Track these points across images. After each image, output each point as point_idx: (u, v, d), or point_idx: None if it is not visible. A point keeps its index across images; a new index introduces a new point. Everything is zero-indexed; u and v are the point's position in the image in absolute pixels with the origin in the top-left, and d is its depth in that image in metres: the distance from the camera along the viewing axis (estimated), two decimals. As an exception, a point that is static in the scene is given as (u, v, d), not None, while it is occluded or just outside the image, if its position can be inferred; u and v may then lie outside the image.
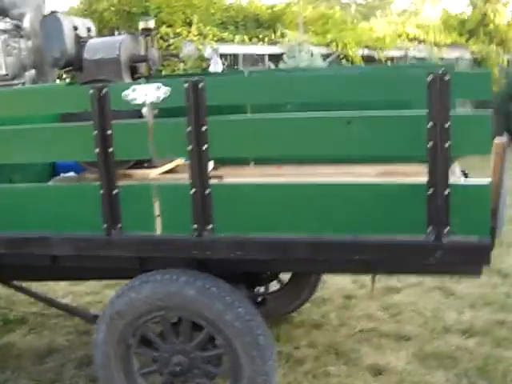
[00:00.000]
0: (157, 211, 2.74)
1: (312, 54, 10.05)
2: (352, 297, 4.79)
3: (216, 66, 10.13)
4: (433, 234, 2.47)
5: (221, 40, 11.63)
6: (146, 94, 2.68)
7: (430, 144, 2.40)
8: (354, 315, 4.46)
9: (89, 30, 3.91)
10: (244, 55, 11.27)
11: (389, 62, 13.07)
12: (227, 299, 2.78)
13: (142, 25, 3.77)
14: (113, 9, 12.06)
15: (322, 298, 4.77)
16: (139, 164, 3.61)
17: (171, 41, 11.22)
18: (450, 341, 4.00)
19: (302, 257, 2.65)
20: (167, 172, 3.77)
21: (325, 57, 11.37)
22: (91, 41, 3.74)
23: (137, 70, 3.78)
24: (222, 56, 11.09)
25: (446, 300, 4.66)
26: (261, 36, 11.59)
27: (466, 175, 3.34)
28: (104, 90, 2.69)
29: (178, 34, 11.31)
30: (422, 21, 17.27)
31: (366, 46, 12.95)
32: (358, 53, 12.32)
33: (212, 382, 2.98)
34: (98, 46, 3.67)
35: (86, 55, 3.64)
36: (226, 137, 2.64)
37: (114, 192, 2.76)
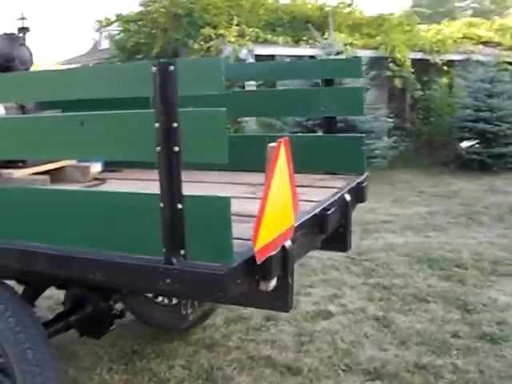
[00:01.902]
0: None
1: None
2: (272, 318, 4.34)
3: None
4: (166, 256, 2.07)
5: (264, 41, 11.33)
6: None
7: (159, 148, 2.01)
8: (258, 339, 4.02)
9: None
10: (281, 57, 10.88)
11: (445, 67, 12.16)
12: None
13: (18, 24, 3.59)
14: (163, 10, 12.13)
15: (241, 316, 4.38)
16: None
17: (211, 42, 11.05)
18: (343, 382, 3.49)
19: (43, 270, 2.33)
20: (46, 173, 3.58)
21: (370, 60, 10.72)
22: None
23: (11, 69, 3.59)
24: (258, 58, 10.77)
25: (376, 333, 4.10)
26: (305, 38, 11.16)
27: None
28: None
29: (220, 36, 11.13)
30: (504, 23, 15.96)
31: (421, 50, 12.11)
32: (408, 56, 11.51)
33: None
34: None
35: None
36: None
37: None
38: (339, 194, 3.10)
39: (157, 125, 1.99)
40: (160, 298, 4.16)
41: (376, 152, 9.61)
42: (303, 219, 2.64)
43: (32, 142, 2.27)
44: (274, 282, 2.24)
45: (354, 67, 3.44)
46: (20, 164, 3.55)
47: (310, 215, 2.70)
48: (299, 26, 11.59)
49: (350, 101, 3.51)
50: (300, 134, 4.18)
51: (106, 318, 3.37)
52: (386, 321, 4.26)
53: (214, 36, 11.14)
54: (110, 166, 4.11)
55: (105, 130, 2.17)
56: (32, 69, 3.78)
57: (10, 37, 3.49)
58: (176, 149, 2.01)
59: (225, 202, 1.99)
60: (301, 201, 3.00)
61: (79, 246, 2.23)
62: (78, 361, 3.75)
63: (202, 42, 11.18)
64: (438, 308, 4.49)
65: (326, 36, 10.81)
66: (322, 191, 3.19)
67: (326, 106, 3.54)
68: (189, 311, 2.86)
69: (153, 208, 2.05)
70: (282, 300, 2.42)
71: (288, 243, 2.38)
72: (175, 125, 1.99)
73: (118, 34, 13.04)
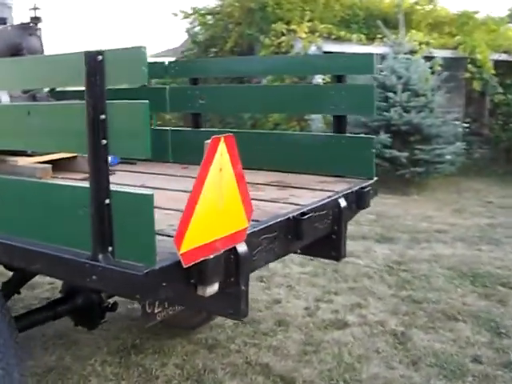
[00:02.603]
0: None
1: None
2: (283, 323, 4.19)
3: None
4: (93, 252, 1.99)
5: (337, 38, 11.06)
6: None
7: (89, 140, 1.93)
8: (262, 344, 3.88)
9: (3, 20, 3.86)
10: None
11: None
12: None
13: (30, 14, 3.61)
14: (237, 4, 12.12)
15: (253, 318, 4.25)
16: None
17: (282, 38, 10.92)
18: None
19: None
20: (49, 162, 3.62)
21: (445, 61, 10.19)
22: None
23: None
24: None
25: (389, 349, 3.84)
26: (380, 35, 10.76)
27: None
28: None
29: (291, 31, 10.98)
30: None
31: (506, 51, 11.34)
32: (491, 57, 10.81)
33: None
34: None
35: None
36: None
37: None
38: (330, 199, 2.90)
39: (86, 116, 1.91)
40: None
41: (444, 157, 9.13)
42: (270, 223, 2.49)
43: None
44: (214, 288, 2.11)
45: (367, 63, 3.22)
46: (29, 152, 3.62)
47: (281, 219, 2.54)
48: (375, 24, 11.20)
49: (360, 99, 3.30)
50: (308, 133, 3.97)
51: (96, 309, 3.36)
52: (403, 337, 3.99)
53: (285, 31, 11.00)
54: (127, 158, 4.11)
55: (48, 120, 2.12)
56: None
57: (20, 27, 3.53)
58: (104, 142, 1.92)
59: (148, 199, 1.88)
60: (284, 203, 2.86)
61: (22, 236, 2.20)
62: (77, 349, 3.76)
63: (273, 38, 11.06)
64: (465, 328, 4.15)
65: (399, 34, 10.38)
66: (315, 194, 3.01)
67: (335, 104, 3.34)
68: (156, 310, 2.77)
69: (84, 202, 1.98)
70: (233, 307, 2.29)
71: (241, 247, 2.24)
72: (103, 117, 1.91)
73: (193, 28, 13.16)
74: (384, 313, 4.41)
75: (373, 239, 6.44)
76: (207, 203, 1.97)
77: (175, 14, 12.77)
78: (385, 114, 8.72)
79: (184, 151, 3.95)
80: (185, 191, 2.85)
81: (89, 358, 3.64)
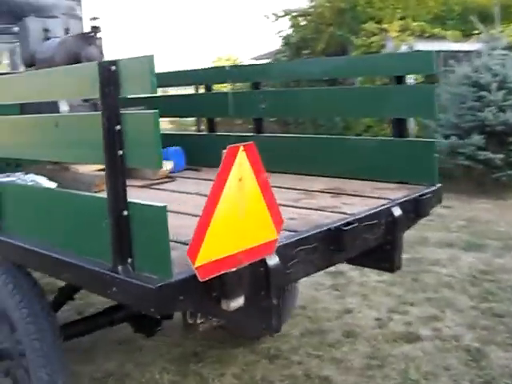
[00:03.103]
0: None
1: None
2: (352, 335, 4.03)
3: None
4: (113, 264, 1.97)
5: (431, 36, 10.63)
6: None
7: (105, 150, 1.92)
8: (325, 356, 3.74)
9: (67, 30, 4.00)
10: (446, 53, 10.03)
11: None
12: (16, 297, 2.65)
13: (90, 23, 3.72)
14: (328, 5, 11.97)
15: (321, 328, 4.13)
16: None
17: (373, 38, 10.65)
18: None
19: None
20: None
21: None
22: (48, 41, 3.83)
23: None
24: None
25: (461, 366, 3.58)
26: (477, 31, 10.18)
27: None
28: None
29: (383, 30, 10.68)
30: None
31: None
32: None
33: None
34: (47, 47, 3.75)
35: (38, 55, 3.76)
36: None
37: None
38: (382, 208, 2.74)
39: (102, 126, 1.91)
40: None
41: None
42: (307, 234, 2.38)
43: (17, 142, 2.32)
44: (238, 302, 2.04)
45: (426, 61, 3.02)
46: (92, 160, 3.72)
47: (320, 230, 2.42)
48: (472, 19, 10.62)
49: (420, 101, 3.09)
50: (368, 138, 3.79)
51: (151, 317, 3.37)
52: (478, 354, 3.71)
53: (376, 31, 10.72)
54: (192, 165, 4.15)
55: (77, 131, 2.14)
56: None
57: (80, 37, 3.64)
58: (120, 152, 1.90)
59: (161, 211, 1.84)
60: (331, 212, 2.74)
61: (55, 246, 2.24)
62: (138, 356, 3.81)
63: (364, 38, 10.82)
64: (552, 347, 3.80)
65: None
66: (367, 203, 2.86)
67: (394, 106, 3.17)
68: (198, 321, 2.73)
69: (105, 213, 1.97)
70: (265, 321, 2.21)
71: (272, 260, 2.16)
72: (118, 127, 1.89)
73: (284, 30, 13.14)
74: (460, 326, 4.13)
75: (459, 246, 6.08)
76: (225, 214, 1.90)
77: (267, 17, 12.82)
78: (478, 114, 8.23)
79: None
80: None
81: (148, 365, 3.68)
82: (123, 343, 3.95)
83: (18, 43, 4.05)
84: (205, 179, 3.81)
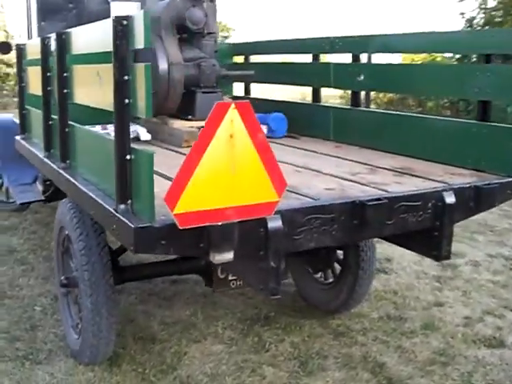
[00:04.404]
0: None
1: None
2: (430, 327, 3.83)
3: None
4: (116, 203, 2.14)
5: None
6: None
7: (116, 99, 2.08)
8: (391, 343, 3.61)
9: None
10: None
11: None
12: (77, 230, 2.96)
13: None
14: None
15: (401, 316, 3.99)
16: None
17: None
18: None
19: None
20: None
21: None
22: (160, 2, 4.08)
23: (184, 29, 3.93)
24: None
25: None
26: None
27: None
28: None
29: None
30: None
31: None
32: None
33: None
34: (158, 7, 4.01)
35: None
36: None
37: None
38: (427, 191, 2.60)
39: (114, 76, 2.06)
40: (318, 275, 4.11)
41: None
42: (322, 203, 2.34)
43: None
44: (225, 256, 2.10)
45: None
46: (189, 117, 3.97)
47: (340, 201, 2.37)
48: None
49: (508, 83, 2.82)
50: (449, 119, 3.50)
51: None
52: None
53: None
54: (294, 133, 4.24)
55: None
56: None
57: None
58: (126, 101, 2.05)
59: (149, 157, 1.96)
60: (373, 188, 2.65)
61: (94, 184, 2.48)
62: (212, 310, 3.99)
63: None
64: None
65: None
66: (423, 185, 2.72)
67: (479, 87, 2.93)
68: (230, 277, 2.79)
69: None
70: (262, 282, 2.25)
71: (274, 222, 2.18)
72: (126, 78, 2.03)
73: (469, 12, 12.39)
74: None
75: None
76: (212, 167, 1.96)
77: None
78: None
79: (343, 130, 3.90)
80: (298, 166, 2.86)
81: (218, 319, 3.85)
82: (203, 296, 4.17)
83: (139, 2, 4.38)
84: (293, 146, 3.87)
